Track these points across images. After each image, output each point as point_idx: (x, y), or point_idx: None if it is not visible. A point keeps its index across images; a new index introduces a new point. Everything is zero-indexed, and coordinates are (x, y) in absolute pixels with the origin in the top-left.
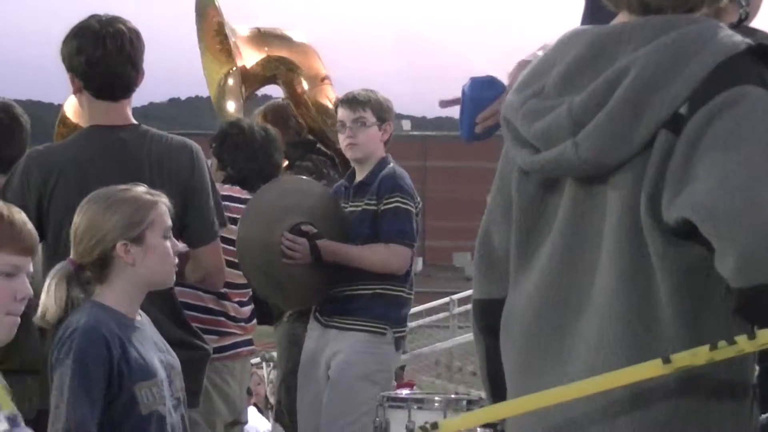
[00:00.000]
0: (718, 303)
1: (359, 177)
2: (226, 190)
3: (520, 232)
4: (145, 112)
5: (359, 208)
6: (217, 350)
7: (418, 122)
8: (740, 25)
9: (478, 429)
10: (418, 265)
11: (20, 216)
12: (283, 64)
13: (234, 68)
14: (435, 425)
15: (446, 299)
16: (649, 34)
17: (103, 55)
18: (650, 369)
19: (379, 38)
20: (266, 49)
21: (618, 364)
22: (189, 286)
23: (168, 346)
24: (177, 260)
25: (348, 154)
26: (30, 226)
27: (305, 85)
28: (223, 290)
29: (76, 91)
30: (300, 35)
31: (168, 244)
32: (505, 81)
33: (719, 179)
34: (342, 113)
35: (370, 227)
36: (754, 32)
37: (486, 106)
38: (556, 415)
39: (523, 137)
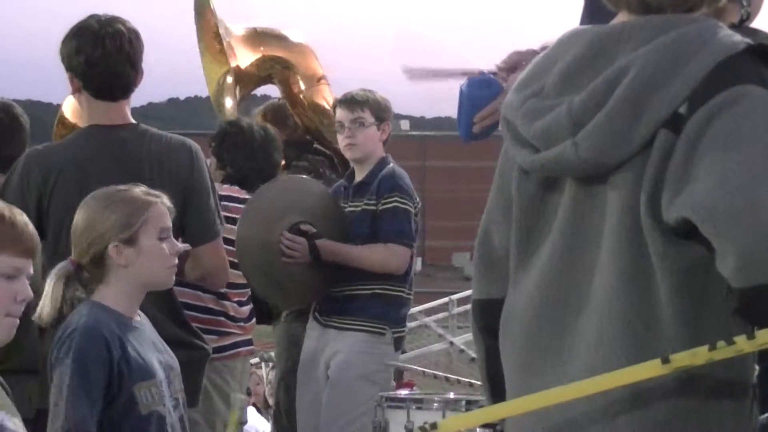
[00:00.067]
0: (718, 303)
1: (359, 177)
2: (225, 190)
3: (520, 231)
4: (144, 112)
5: (359, 208)
6: (217, 350)
7: (417, 122)
8: (741, 26)
9: (478, 429)
10: (418, 265)
11: (22, 218)
12: (278, 64)
13: (229, 68)
14: (434, 425)
15: (445, 299)
16: (649, 34)
17: (103, 55)
18: (650, 369)
19: (379, 38)
20: (262, 49)
21: (618, 363)
22: (189, 286)
23: (167, 346)
24: (176, 261)
25: (347, 155)
26: (31, 227)
27: (302, 85)
28: (223, 290)
29: (75, 91)
30: (297, 35)
31: (165, 245)
32: (500, 75)
33: (719, 179)
34: (340, 113)
35: (370, 227)
36: (755, 32)
37: (483, 106)
38: (555, 414)
39: (522, 137)
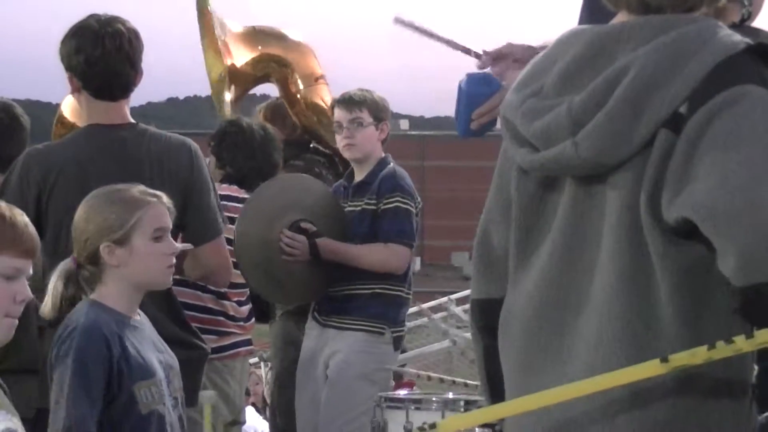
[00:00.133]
0: (718, 302)
1: (358, 177)
2: (224, 189)
3: (520, 230)
4: (144, 112)
5: (359, 208)
6: (217, 350)
7: (416, 122)
8: (742, 25)
9: (477, 429)
10: (416, 264)
11: (22, 218)
12: (275, 63)
13: (224, 67)
14: (433, 425)
15: (444, 299)
16: (649, 34)
17: (102, 55)
18: (649, 369)
19: (378, 37)
20: (260, 47)
21: (617, 363)
22: (189, 286)
23: (166, 346)
24: (174, 261)
25: (346, 155)
26: (31, 228)
27: (300, 84)
28: (223, 290)
29: (75, 91)
30: (296, 34)
31: (160, 245)
32: (483, 60)
33: (719, 179)
34: (338, 114)
35: (369, 227)
36: (756, 32)
37: (482, 102)
38: (555, 414)
39: (522, 136)
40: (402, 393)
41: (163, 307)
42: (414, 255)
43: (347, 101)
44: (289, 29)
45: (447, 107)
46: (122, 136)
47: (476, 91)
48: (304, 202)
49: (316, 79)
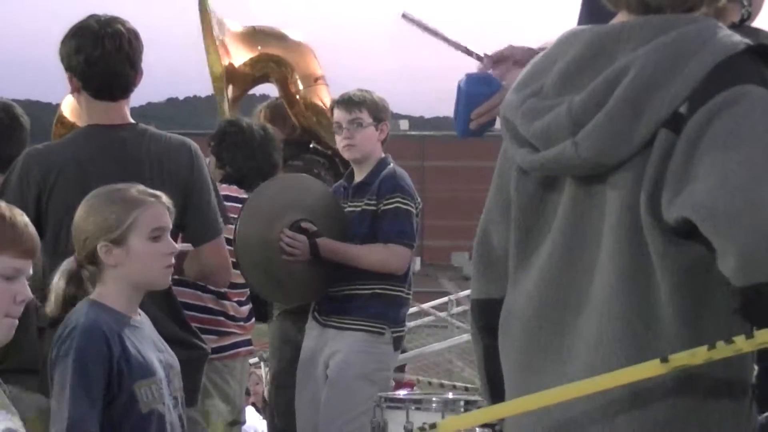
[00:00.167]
0: (718, 302)
1: (358, 177)
2: (223, 189)
3: (520, 230)
4: (143, 112)
5: (359, 208)
6: (217, 350)
7: (416, 122)
8: (742, 25)
9: (477, 429)
10: (416, 264)
11: (22, 218)
12: (274, 63)
13: (222, 67)
14: (433, 426)
15: (444, 299)
16: (649, 34)
17: (102, 55)
18: (649, 369)
19: (378, 38)
20: (260, 47)
21: (617, 363)
22: (189, 286)
23: (166, 345)
24: (173, 261)
25: (346, 155)
26: (31, 228)
27: (299, 85)
28: (223, 290)
29: (75, 91)
30: (296, 34)
31: (158, 245)
32: (485, 63)
33: (719, 179)
34: (338, 114)
35: (369, 227)
36: (756, 32)
37: (481, 102)
38: (555, 414)
39: (522, 136)
40: (402, 393)
41: (163, 307)
42: (414, 255)
43: (347, 102)
44: (289, 29)
45: (447, 107)
46: (122, 136)
47: (476, 91)
48: (304, 201)
49: (316, 80)
